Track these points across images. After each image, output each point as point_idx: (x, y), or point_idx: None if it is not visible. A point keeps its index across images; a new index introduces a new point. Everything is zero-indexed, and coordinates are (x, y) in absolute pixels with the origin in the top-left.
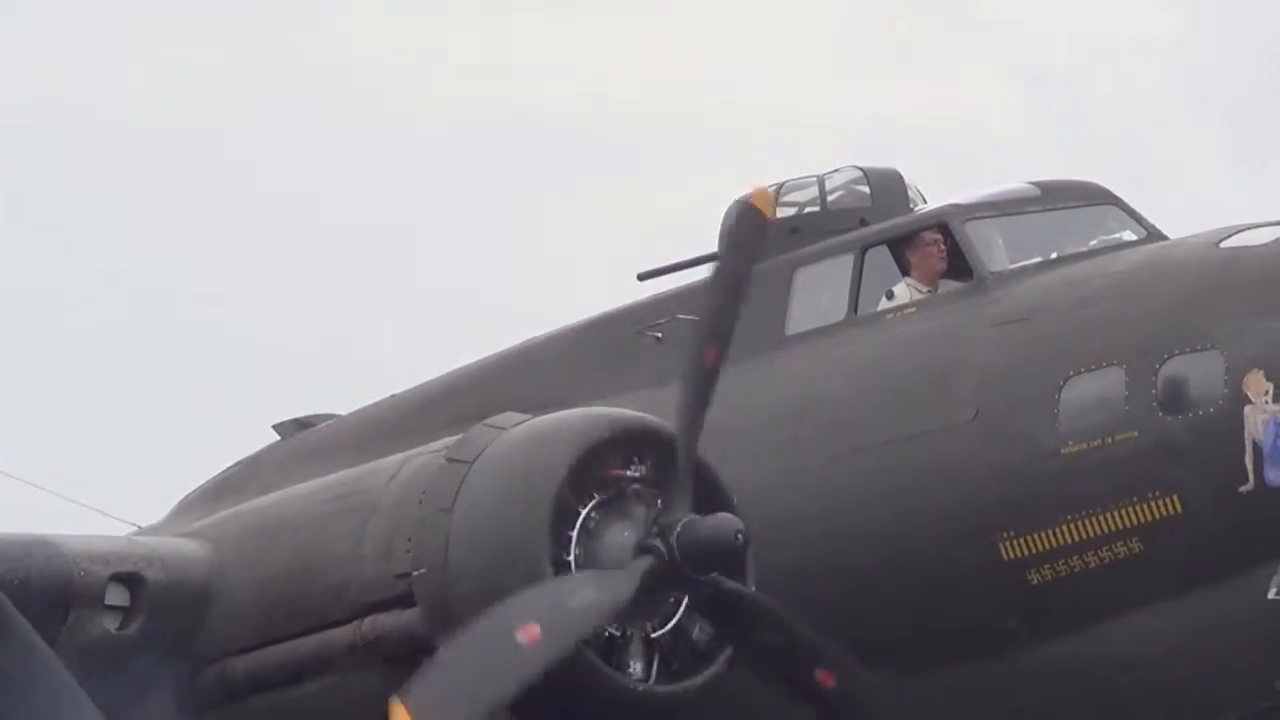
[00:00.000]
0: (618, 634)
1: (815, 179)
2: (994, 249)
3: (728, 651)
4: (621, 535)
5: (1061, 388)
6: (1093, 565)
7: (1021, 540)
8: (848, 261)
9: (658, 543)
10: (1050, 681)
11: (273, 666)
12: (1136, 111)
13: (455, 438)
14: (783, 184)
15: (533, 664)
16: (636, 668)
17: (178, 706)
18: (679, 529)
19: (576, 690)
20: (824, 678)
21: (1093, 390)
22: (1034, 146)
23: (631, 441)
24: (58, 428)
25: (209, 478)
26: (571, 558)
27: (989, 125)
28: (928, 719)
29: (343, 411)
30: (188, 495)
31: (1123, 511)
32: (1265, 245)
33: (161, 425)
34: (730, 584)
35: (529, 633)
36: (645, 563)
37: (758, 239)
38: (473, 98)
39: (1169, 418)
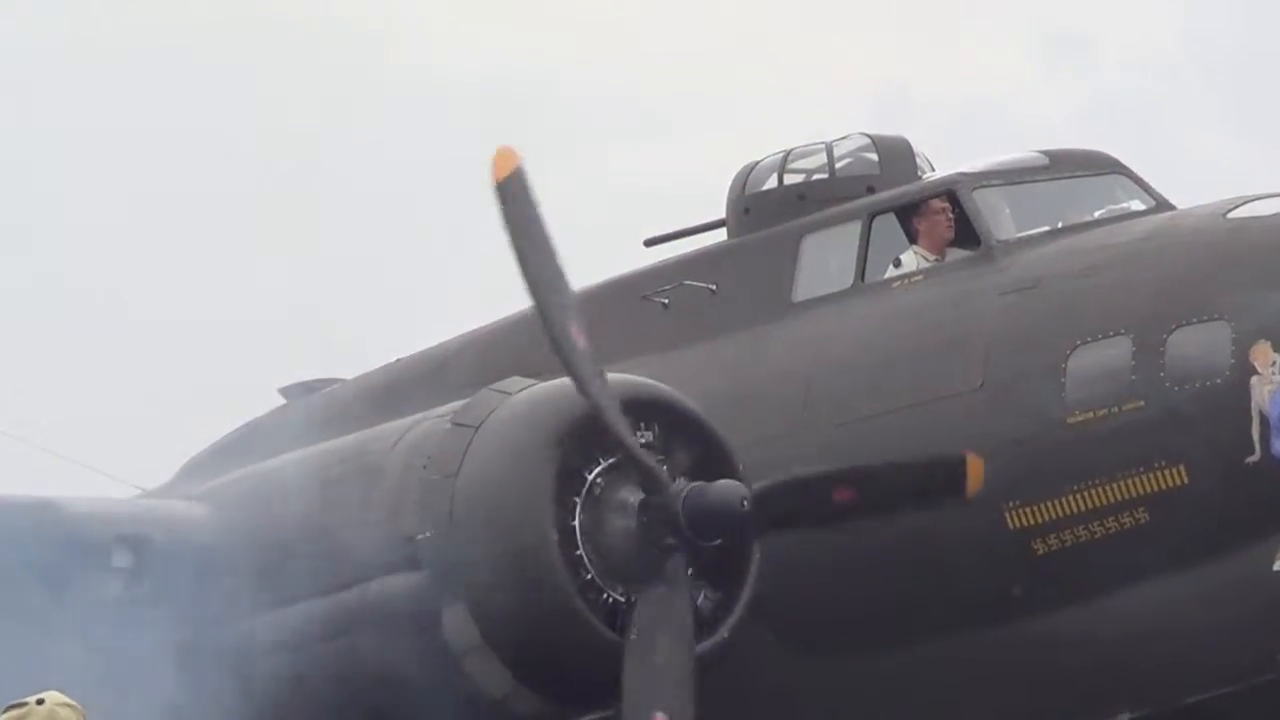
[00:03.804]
0: (622, 599)
1: (823, 146)
2: (1001, 217)
3: (732, 619)
4: (627, 501)
5: (1068, 357)
6: (1098, 535)
7: (1027, 510)
8: (855, 229)
9: (662, 509)
10: (1055, 652)
11: (277, 630)
12: (1151, 75)
13: (461, 402)
14: (790, 151)
15: None
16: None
17: (182, 670)
18: (684, 496)
19: (581, 655)
20: (841, 495)
21: (1099, 360)
22: (1046, 110)
23: (638, 407)
24: (63, 390)
25: (214, 441)
26: (576, 523)
27: (1000, 89)
28: (932, 689)
29: (349, 376)
30: (193, 458)
31: (1128, 482)
32: (1273, 216)
33: (167, 388)
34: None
35: None
36: (677, 564)
37: (527, 202)
38: (471, 62)
39: (1175, 388)
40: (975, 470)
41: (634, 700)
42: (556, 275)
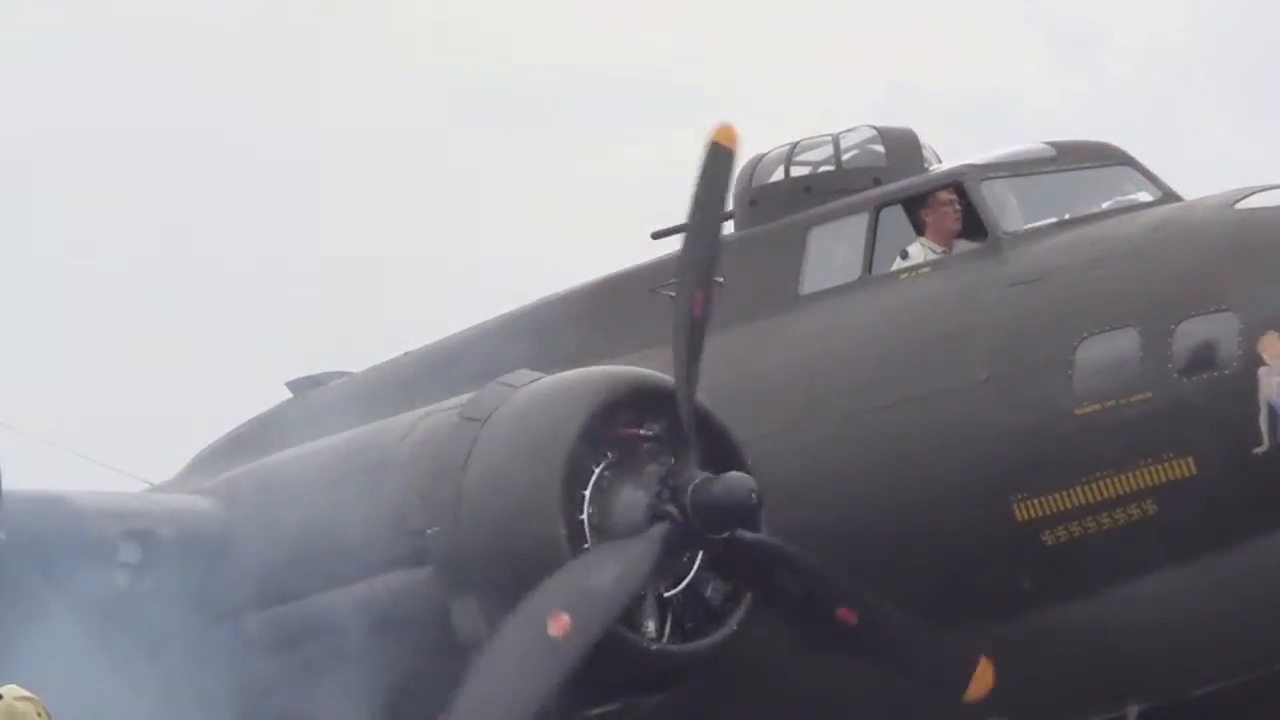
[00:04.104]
0: None
1: (830, 138)
2: (1009, 209)
3: (740, 611)
4: (635, 494)
5: (1076, 348)
6: (1106, 527)
7: (1035, 501)
8: (862, 221)
9: (670, 504)
10: (1063, 643)
11: (284, 624)
12: (1158, 65)
13: (469, 396)
14: (797, 143)
15: (568, 655)
16: (650, 627)
17: (190, 664)
18: (692, 488)
19: (590, 650)
20: (845, 615)
21: (1107, 351)
22: (1054, 104)
23: (645, 400)
24: (71, 385)
25: (222, 435)
26: (585, 516)
27: (1008, 84)
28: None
29: (356, 369)
30: (201, 453)
31: (1137, 473)
32: None
33: (175, 382)
34: (749, 535)
35: (559, 624)
36: (662, 529)
37: (728, 175)
38: (476, 54)
39: (1183, 379)
40: (983, 676)
41: (540, 595)
42: (711, 247)
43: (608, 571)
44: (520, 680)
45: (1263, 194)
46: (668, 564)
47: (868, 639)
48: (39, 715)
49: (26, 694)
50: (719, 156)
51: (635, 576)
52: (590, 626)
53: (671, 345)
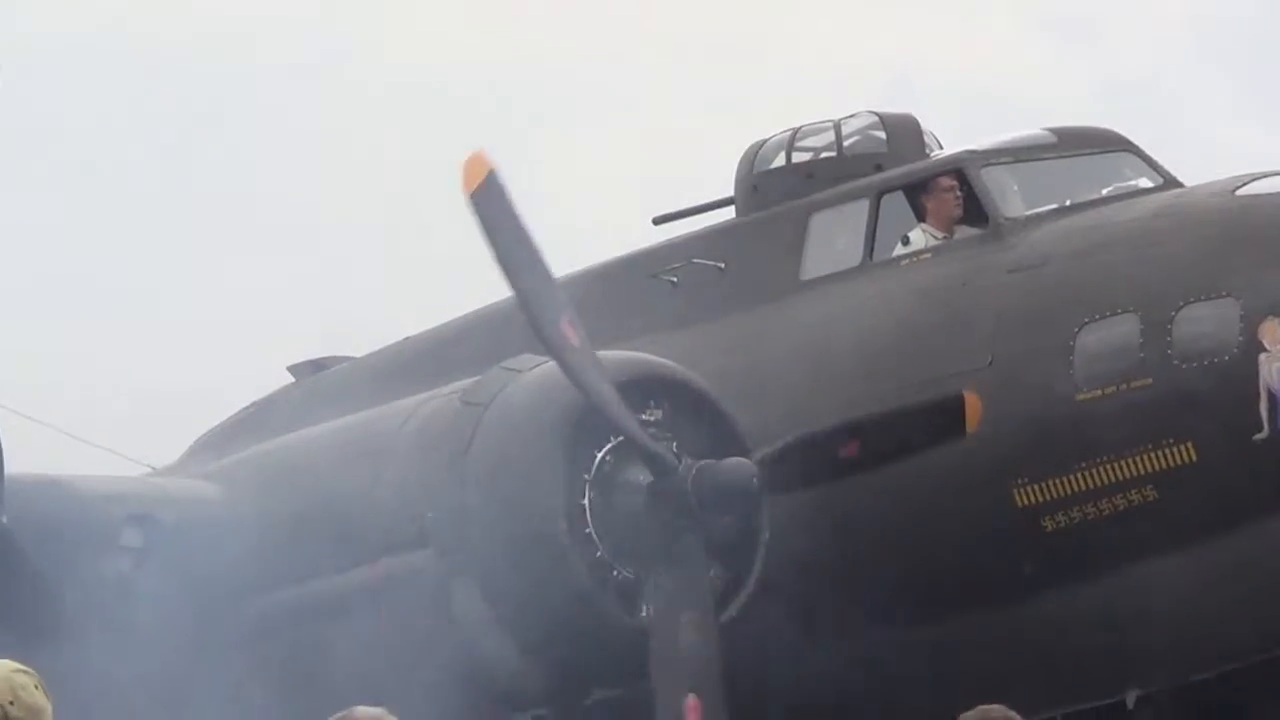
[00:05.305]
0: (632, 577)
1: (831, 124)
2: (1010, 195)
3: (741, 597)
4: (636, 480)
5: (1076, 335)
6: (1107, 512)
7: (1036, 487)
8: (863, 207)
9: (672, 488)
10: (1064, 629)
11: (286, 609)
12: (1158, 55)
13: (471, 380)
14: (798, 129)
15: None
16: (650, 612)
17: (191, 648)
18: (694, 474)
19: (590, 633)
20: (849, 451)
21: (1107, 337)
22: (1056, 94)
23: (647, 385)
24: (72, 369)
25: (224, 419)
26: (586, 501)
27: (1009, 74)
28: (940, 667)
29: (358, 354)
30: (202, 437)
31: (1137, 459)
32: None
33: (176, 366)
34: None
35: (693, 708)
36: (698, 548)
37: (505, 202)
38: (473, 33)
39: (1184, 365)
40: (974, 408)
41: (664, 684)
42: (543, 277)
43: (688, 628)
44: None
45: (1264, 180)
46: (670, 549)
47: (875, 455)
48: (36, 687)
49: (21, 667)
50: (483, 195)
51: (709, 615)
52: (714, 691)
53: (571, 380)
